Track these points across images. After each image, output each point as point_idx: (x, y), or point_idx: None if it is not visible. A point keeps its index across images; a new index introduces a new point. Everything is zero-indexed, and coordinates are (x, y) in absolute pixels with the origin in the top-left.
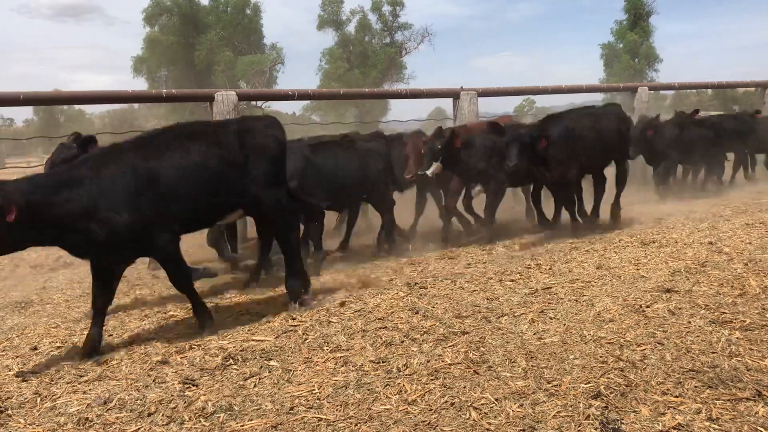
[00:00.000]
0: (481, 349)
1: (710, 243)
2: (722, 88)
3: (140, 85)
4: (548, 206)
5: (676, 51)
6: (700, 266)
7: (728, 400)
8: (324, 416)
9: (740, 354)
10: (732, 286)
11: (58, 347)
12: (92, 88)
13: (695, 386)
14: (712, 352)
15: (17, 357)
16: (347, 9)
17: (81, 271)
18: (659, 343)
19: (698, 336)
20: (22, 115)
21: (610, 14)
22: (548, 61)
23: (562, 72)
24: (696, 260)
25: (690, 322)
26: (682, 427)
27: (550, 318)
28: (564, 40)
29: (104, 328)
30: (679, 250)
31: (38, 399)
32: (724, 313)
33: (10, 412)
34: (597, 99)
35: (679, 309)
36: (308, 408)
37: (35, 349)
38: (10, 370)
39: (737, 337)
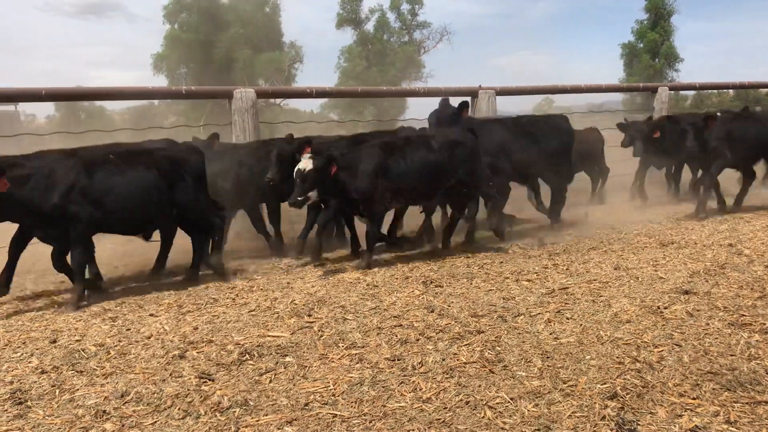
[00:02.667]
0: (497, 348)
1: (730, 245)
2: (744, 89)
3: (160, 82)
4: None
5: (697, 51)
6: (719, 268)
7: (747, 402)
8: (339, 413)
9: (759, 357)
10: (752, 289)
11: (77, 340)
12: (113, 85)
13: (713, 388)
14: (731, 355)
15: (37, 350)
16: (366, 7)
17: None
18: (677, 345)
19: (717, 338)
20: (43, 111)
21: (631, 14)
22: (568, 60)
23: (582, 71)
24: (715, 262)
25: (708, 324)
26: (700, 429)
27: (567, 318)
28: (584, 39)
29: (124, 320)
30: (699, 252)
31: (57, 391)
32: (743, 315)
33: (29, 403)
34: (617, 99)
35: (698, 311)
36: (323, 404)
37: (54, 341)
38: (29, 363)
39: (757, 340)
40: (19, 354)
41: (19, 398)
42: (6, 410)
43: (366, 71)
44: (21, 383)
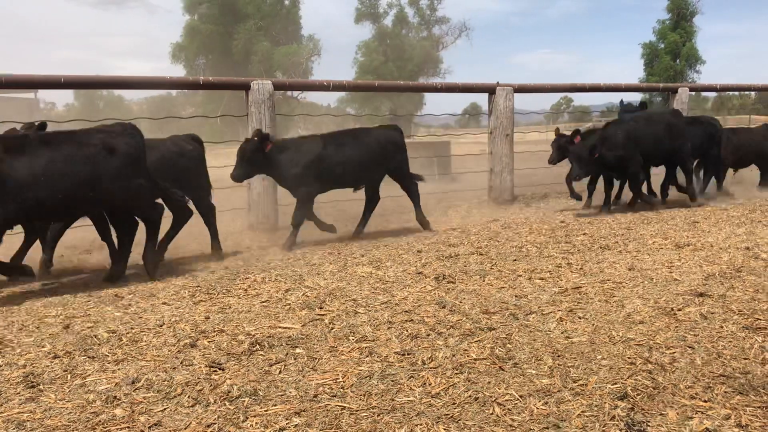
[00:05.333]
0: (508, 345)
1: (747, 248)
2: (766, 91)
3: (178, 72)
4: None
5: (720, 52)
6: (735, 271)
7: (759, 407)
8: (347, 405)
9: None
10: None
11: (90, 326)
12: (131, 74)
13: (725, 392)
14: (744, 358)
15: (50, 334)
16: (384, 2)
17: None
18: (689, 347)
19: (730, 341)
20: (63, 99)
21: (653, 13)
22: (587, 59)
23: (601, 70)
24: (731, 265)
25: (722, 327)
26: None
27: (579, 317)
28: (604, 38)
29: (137, 307)
30: (715, 254)
31: (69, 376)
32: (758, 319)
33: (41, 387)
34: (637, 99)
35: (712, 313)
36: (332, 396)
37: (67, 327)
38: (42, 348)
39: None
40: (32, 338)
41: (32, 382)
42: (18, 393)
43: (383, 66)
44: (34, 367)
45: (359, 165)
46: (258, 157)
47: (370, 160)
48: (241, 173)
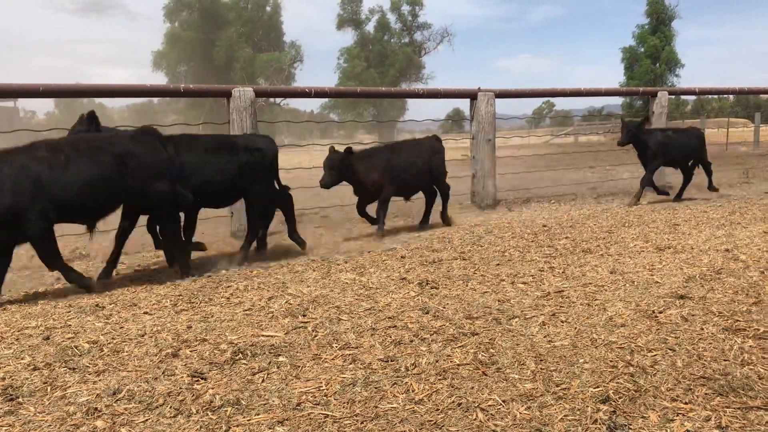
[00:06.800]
0: (491, 350)
1: (726, 250)
2: (744, 94)
3: (160, 79)
4: None
5: (699, 56)
6: (715, 273)
7: (739, 408)
8: (330, 413)
9: (753, 362)
10: (747, 294)
11: (71, 337)
12: (112, 82)
13: (706, 393)
14: (724, 360)
15: (29, 346)
16: (366, 8)
17: (95, 263)
18: (671, 349)
19: (710, 343)
20: (43, 107)
21: (633, 18)
22: (569, 64)
23: (583, 74)
24: (711, 267)
25: (703, 329)
26: None
27: (562, 321)
28: (585, 42)
29: (118, 317)
30: (695, 257)
31: (49, 388)
32: (737, 321)
33: (20, 400)
34: (617, 103)
35: (692, 315)
36: (315, 404)
37: (47, 338)
38: (21, 360)
39: (750, 345)
40: (11, 350)
41: (11, 395)
42: None
43: (365, 72)
44: (13, 379)
45: None
46: None
47: None
48: None
